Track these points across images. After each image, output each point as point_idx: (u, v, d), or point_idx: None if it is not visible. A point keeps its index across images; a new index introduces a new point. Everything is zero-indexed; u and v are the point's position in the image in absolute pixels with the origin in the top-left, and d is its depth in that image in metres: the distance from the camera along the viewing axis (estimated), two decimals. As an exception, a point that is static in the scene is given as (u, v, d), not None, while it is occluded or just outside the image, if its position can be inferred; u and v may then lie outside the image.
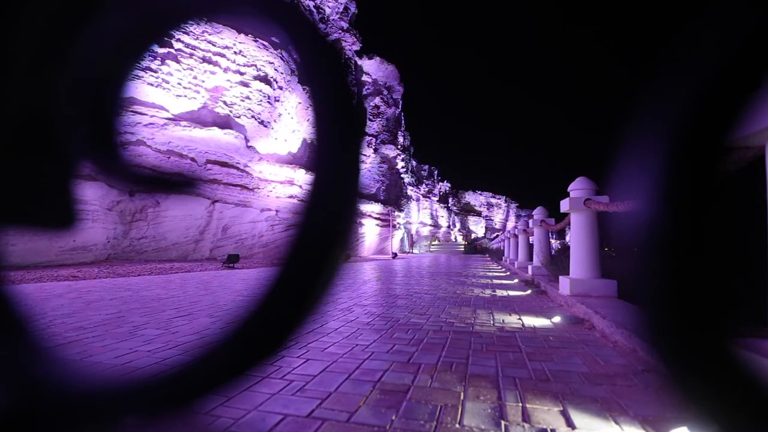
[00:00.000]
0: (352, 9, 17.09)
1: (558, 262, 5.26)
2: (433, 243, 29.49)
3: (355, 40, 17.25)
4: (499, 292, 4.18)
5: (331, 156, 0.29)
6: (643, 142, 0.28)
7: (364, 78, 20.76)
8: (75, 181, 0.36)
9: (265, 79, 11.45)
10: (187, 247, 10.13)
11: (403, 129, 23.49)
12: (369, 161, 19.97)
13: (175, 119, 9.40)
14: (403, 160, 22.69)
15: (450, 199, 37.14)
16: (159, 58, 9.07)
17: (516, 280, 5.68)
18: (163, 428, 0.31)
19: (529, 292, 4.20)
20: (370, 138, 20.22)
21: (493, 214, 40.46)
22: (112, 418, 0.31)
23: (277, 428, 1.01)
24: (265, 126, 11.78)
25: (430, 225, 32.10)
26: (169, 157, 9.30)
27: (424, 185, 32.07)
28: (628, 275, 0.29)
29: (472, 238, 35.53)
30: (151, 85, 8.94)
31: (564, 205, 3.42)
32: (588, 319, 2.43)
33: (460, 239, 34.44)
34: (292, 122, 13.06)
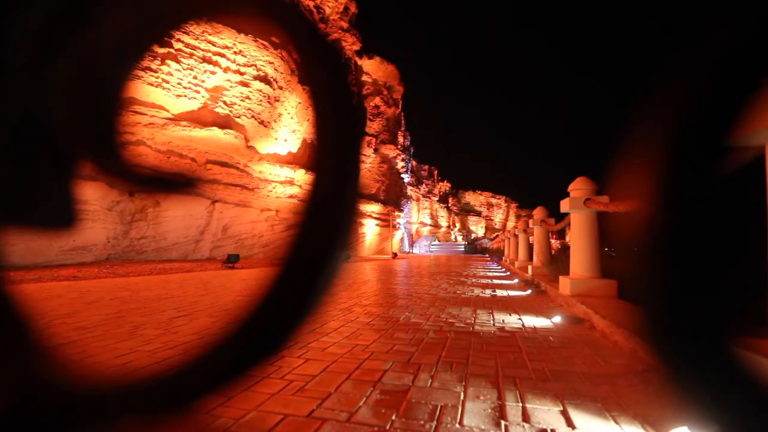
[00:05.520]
0: (352, 9, 17.08)
1: (558, 262, 5.26)
2: (433, 243, 29.49)
3: (355, 40, 17.24)
4: (500, 292, 4.18)
5: (331, 156, 0.29)
6: (643, 142, 0.28)
7: (364, 78, 20.75)
8: (75, 181, 0.36)
9: (265, 79, 11.45)
10: (187, 247, 10.13)
11: (403, 129, 23.48)
12: (369, 161, 19.97)
13: (175, 119, 9.40)
14: (403, 160, 22.67)
15: (450, 199, 37.14)
16: (159, 58, 9.06)
17: (516, 280, 5.68)
18: (163, 428, 0.31)
19: (529, 292, 4.20)
20: (370, 138, 20.21)
21: (493, 214, 40.45)
22: (112, 417, 0.31)
23: (277, 428, 1.01)
24: (265, 126, 11.77)
25: (430, 225, 32.10)
26: (169, 157, 9.30)
27: (424, 185, 32.07)
28: (628, 275, 0.29)
29: (472, 238, 35.52)
30: (151, 85, 8.93)
31: (564, 205, 3.42)
32: (588, 319, 2.43)
33: (460, 239, 34.43)
34: (292, 122, 13.06)
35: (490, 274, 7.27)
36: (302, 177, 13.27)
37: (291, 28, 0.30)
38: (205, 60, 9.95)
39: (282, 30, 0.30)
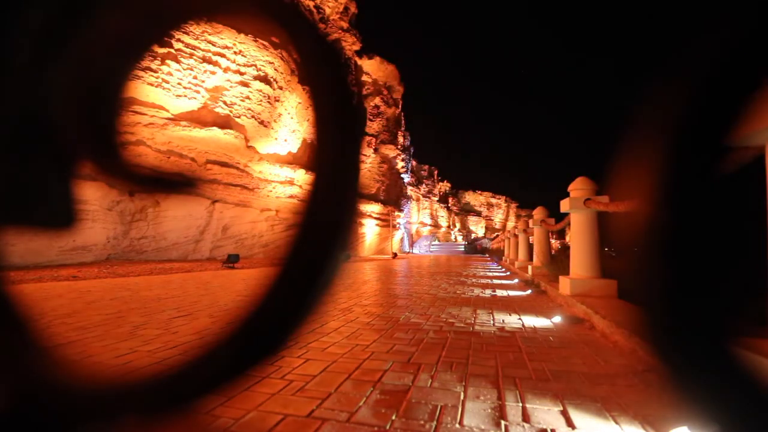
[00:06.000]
0: (352, 9, 17.08)
1: (558, 262, 5.26)
2: (433, 243, 29.50)
3: (355, 40, 17.24)
4: (500, 292, 4.18)
5: (331, 156, 0.29)
6: (643, 142, 0.28)
7: (364, 78, 20.74)
8: (75, 181, 0.36)
9: (265, 79, 11.45)
10: (187, 247, 10.13)
11: (403, 129, 23.48)
12: (369, 161, 19.96)
13: (175, 119, 9.40)
14: (403, 160, 22.67)
15: (450, 199, 37.15)
16: (159, 58, 9.06)
17: (516, 280, 5.68)
18: (163, 428, 0.31)
19: (529, 292, 4.20)
20: (370, 138, 20.20)
21: (493, 214, 40.47)
22: (112, 417, 0.31)
23: (277, 428, 1.01)
24: (265, 126, 11.77)
25: (430, 225, 32.10)
26: (169, 157, 9.30)
27: (424, 185, 32.07)
28: (628, 275, 0.29)
29: (472, 238, 35.52)
30: (151, 85, 8.93)
31: (564, 205, 3.42)
32: (588, 319, 2.43)
33: (460, 239, 34.43)
34: (292, 122, 13.06)
35: (490, 274, 7.27)
36: (302, 177, 13.27)
37: (291, 28, 0.30)
38: (205, 60, 9.95)
39: (282, 30, 0.30)
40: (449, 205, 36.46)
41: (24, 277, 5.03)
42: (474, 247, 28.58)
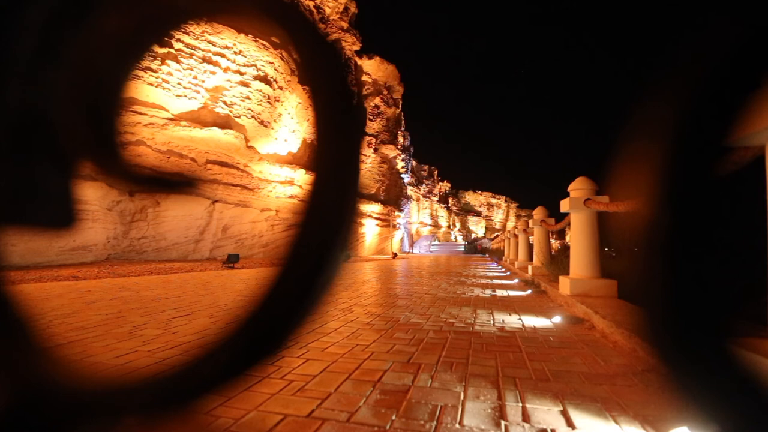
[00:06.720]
0: (352, 9, 17.08)
1: (558, 262, 5.26)
2: (433, 243, 29.49)
3: (355, 40, 17.24)
4: (500, 292, 4.18)
5: (331, 156, 0.29)
6: (643, 142, 0.28)
7: (364, 78, 20.73)
8: (75, 181, 0.36)
9: (265, 79, 11.45)
10: (187, 247, 10.13)
11: (403, 129, 23.48)
12: (369, 161, 19.96)
13: (175, 119, 9.40)
14: (403, 160, 22.67)
15: (450, 199, 37.16)
16: (159, 58, 9.06)
17: (516, 280, 5.68)
18: (163, 428, 0.31)
19: (529, 292, 4.20)
20: (370, 138, 20.20)
21: (493, 214, 40.49)
22: (112, 417, 0.31)
23: (277, 428, 1.01)
24: (265, 126, 11.77)
25: (430, 225, 32.11)
26: (169, 157, 9.30)
27: (424, 185, 32.08)
28: (628, 275, 0.29)
29: (472, 238, 35.52)
30: (151, 85, 8.93)
31: (564, 205, 3.42)
32: (588, 319, 2.43)
33: (460, 239, 34.44)
34: (292, 122, 13.06)
35: (490, 274, 7.26)
36: (302, 177, 13.27)
37: (291, 28, 0.30)
38: (205, 60, 9.95)
39: (282, 30, 0.30)
40: (449, 205, 36.48)
41: (24, 277, 5.03)
42: (474, 247, 28.57)
